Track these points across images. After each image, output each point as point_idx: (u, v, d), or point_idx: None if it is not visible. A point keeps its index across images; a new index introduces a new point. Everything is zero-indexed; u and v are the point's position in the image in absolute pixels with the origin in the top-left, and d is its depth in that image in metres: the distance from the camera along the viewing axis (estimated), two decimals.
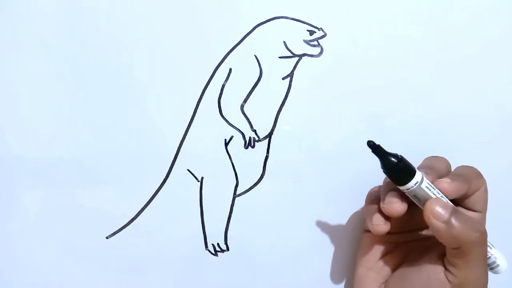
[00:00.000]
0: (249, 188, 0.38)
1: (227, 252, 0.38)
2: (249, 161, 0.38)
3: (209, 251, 0.38)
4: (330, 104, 0.38)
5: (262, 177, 0.38)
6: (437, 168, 0.32)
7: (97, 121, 0.37)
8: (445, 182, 0.30)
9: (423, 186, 0.30)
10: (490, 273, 0.33)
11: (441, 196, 0.30)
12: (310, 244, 0.38)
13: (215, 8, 0.37)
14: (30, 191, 0.37)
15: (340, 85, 0.38)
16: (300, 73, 0.38)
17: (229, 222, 0.38)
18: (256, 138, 0.38)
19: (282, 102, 0.38)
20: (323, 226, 0.39)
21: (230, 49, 0.37)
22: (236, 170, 0.38)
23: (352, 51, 0.38)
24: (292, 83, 0.38)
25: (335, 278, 0.39)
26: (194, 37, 0.37)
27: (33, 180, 0.37)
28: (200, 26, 0.37)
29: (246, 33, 0.37)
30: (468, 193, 0.32)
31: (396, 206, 0.30)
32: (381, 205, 0.31)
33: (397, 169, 0.30)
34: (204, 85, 0.37)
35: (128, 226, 0.37)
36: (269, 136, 0.38)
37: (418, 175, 0.30)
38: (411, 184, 0.29)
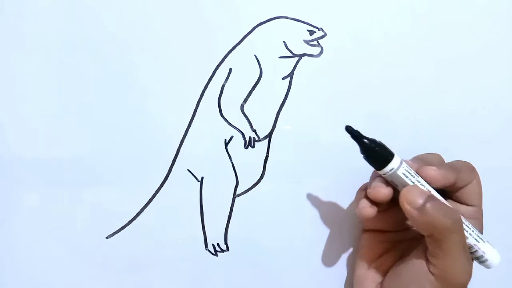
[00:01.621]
0: (249, 188, 0.38)
1: (227, 252, 0.38)
2: (249, 161, 0.38)
3: (209, 251, 0.38)
4: (330, 104, 0.38)
5: (262, 177, 0.38)
6: (427, 158, 0.33)
7: (97, 121, 0.37)
8: (431, 169, 0.31)
9: (399, 172, 0.30)
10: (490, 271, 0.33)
11: (421, 185, 0.30)
12: (310, 244, 0.38)
13: (215, 8, 0.37)
14: (30, 191, 0.37)
15: (340, 85, 0.38)
16: (300, 73, 0.38)
17: (229, 222, 0.38)
18: (256, 138, 0.38)
19: (282, 102, 0.38)
20: (322, 226, 0.38)
21: (230, 49, 0.37)
22: (236, 170, 0.38)
23: (352, 51, 0.38)
24: (292, 83, 0.38)
25: (335, 278, 0.39)
26: (194, 37, 0.37)
27: (33, 180, 0.37)
28: (200, 26, 0.37)
29: (246, 33, 0.37)
30: (458, 184, 0.32)
31: (381, 190, 0.31)
32: (368, 190, 0.32)
33: (374, 153, 0.30)
34: (204, 85, 0.37)
35: (128, 226, 0.37)
36: (269, 136, 0.38)
37: (396, 161, 0.30)
38: (387, 169, 0.30)
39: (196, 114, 0.37)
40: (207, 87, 0.37)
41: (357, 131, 0.31)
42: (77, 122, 0.37)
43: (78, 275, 0.38)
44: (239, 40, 0.37)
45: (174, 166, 0.38)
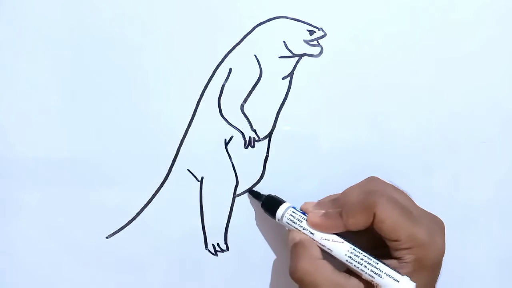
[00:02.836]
0: (249, 188, 0.38)
1: (227, 252, 0.38)
2: (249, 161, 0.38)
3: (209, 251, 0.38)
4: (330, 104, 0.38)
5: (262, 177, 0.38)
6: (325, 204, 0.34)
7: (97, 121, 0.37)
8: (310, 219, 0.33)
9: (284, 221, 0.34)
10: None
11: (303, 229, 0.33)
12: None
13: (215, 8, 0.37)
14: (30, 191, 0.37)
15: (340, 85, 0.38)
16: (300, 73, 0.38)
17: (229, 222, 0.38)
18: (256, 138, 0.38)
19: (282, 102, 0.38)
20: None
21: (230, 49, 0.37)
22: (236, 170, 0.38)
23: (352, 51, 0.38)
24: (292, 83, 0.38)
25: None
26: (194, 37, 0.37)
27: (33, 180, 0.37)
28: (200, 26, 0.37)
29: (246, 33, 0.37)
30: (353, 228, 0.31)
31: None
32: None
33: (267, 207, 0.36)
34: (204, 85, 0.37)
35: (128, 226, 0.38)
36: (269, 136, 0.38)
37: (280, 212, 0.34)
38: (276, 219, 0.35)
39: (196, 114, 0.37)
40: (207, 87, 0.37)
41: (255, 192, 0.37)
42: (77, 122, 0.37)
43: (78, 275, 0.38)
44: (239, 40, 0.37)
45: (174, 166, 0.38)
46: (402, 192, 0.32)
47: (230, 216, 0.38)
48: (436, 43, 0.38)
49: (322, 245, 0.32)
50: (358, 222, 0.31)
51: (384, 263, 0.30)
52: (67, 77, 0.37)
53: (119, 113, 0.37)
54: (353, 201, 0.31)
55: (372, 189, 0.31)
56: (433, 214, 0.32)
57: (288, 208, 0.34)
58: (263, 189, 0.38)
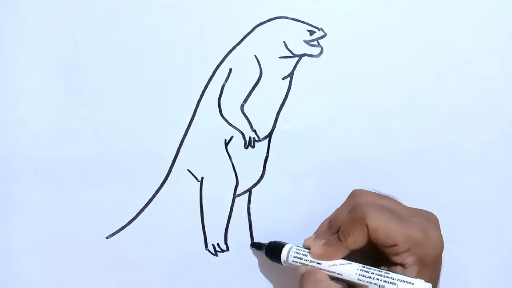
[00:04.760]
0: (249, 188, 0.38)
1: (227, 252, 0.38)
2: (249, 161, 0.38)
3: (209, 251, 0.38)
4: (330, 104, 0.38)
5: (262, 177, 0.38)
6: (322, 233, 0.34)
7: (97, 121, 0.37)
8: (313, 252, 0.33)
9: (290, 261, 0.34)
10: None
11: (310, 262, 0.33)
12: None
13: (215, 8, 0.37)
14: (30, 191, 0.37)
15: (340, 85, 0.38)
16: (300, 73, 0.38)
17: (229, 222, 0.38)
18: (256, 138, 0.38)
19: (282, 102, 0.38)
20: None
21: (230, 49, 0.37)
22: (236, 170, 0.38)
23: (352, 51, 0.38)
24: (292, 83, 0.38)
25: None
26: (194, 37, 0.37)
27: (33, 180, 0.37)
28: (200, 26, 0.37)
29: (246, 33, 0.37)
30: (353, 247, 0.31)
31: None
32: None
33: (270, 255, 0.36)
34: (204, 85, 0.37)
35: (128, 226, 0.38)
36: (269, 136, 0.38)
37: (284, 255, 0.35)
38: (282, 261, 0.35)
39: (196, 114, 0.37)
40: (207, 87, 0.37)
41: (257, 243, 0.37)
42: (77, 122, 0.37)
43: (78, 275, 0.38)
44: (239, 40, 0.37)
45: (174, 166, 0.38)
46: (387, 197, 0.33)
47: (230, 216, 0.38)
48: (436, 43, 0.38)
49: (332, 272, 0.32)
50: (356, 239, 0.31)
51: (393, 272, 0.30)
52: (67, 77, 0.37)
53: (119, 113, 0.37)
54: (345, 221, 0.32)
55: (358, 202, 0.32)
56: (424, 210, 0.32)
57: (291, 248, 0.35)
58: (263, 189, 0.38)
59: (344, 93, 0.38)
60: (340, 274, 0.32)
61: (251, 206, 0.38)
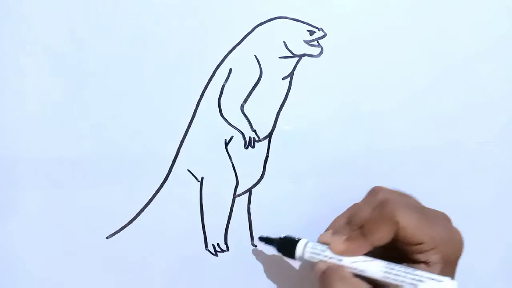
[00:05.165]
0: (249, 188, 0.38)
1: (227, 252, 0.38)
2: (249, 161, 0.38)
3: (209, 251, 0.38)
4: (330, 104, 0.38)
5: (262, 177, 0.38)
6: (339, 228, 0.33)
7: (97, 121, 0.37)
8: (334, 248, 0.32)
9: (306, 257, 0.33)
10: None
11: (329, 258, 0.32)
12: None
13: (215, 8, 0.37)
14: (30, 191, 0.37)
15: (340, 85, 0.38)
16: (300, 73, 0.38)
17: (229, 222, 0.38)
18: (256, 138, 0.38)
19: (282, 102, 0.38)
20: (322, 226, 0.38)
21: (230, 49, 0.37)
22: (236, 170, 0.38)
23: (352, 51, 0.38)
24: (292, 83, 0.38)
25: None
26: (194, 37, 0.37)
27: (33, 180, 0.37)
28: (200, 26, 0.37)
29: (246, 33, 0.37)
30: (380, 243, 0.31)
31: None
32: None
33: (284, 249, 0.34)
34: (204, 85, 0.37)
35: (128, 226, 0.38)
36: (269, 136, 0.38)
37: (299, 250, 0.33)
38: (297, 257, 0.33)
39: (196, 114, 0.37)
40: (207, 87, 0.37)
41: (267, 237, 0.36)
42: (77, 122, 0.37)
43: (78, 275, 0.38)
44: (239, 40, 0.37)
45: (174, 166, 0.38)
46: (410, 196, 0.33)
47: (230, 216, 0.38)
48: (436, 43, 0.38)
49: (354, 269, 0.31)
50: (383, 236, 0.31)
51: (420, 270, 0.30)
52: (67, 77, 0.37)
53: (119, 113, 0.37)
54: (371, 216, 0.31)
55: (386, 199, 0.31)
56: (438, 211, 0.32)
57: (307, 243, 0.33)
58: (263, 189, 0.38)
59: (344, 93, 0.38)
60: (363, 271, 0.31)
61: (251, 206, 0.38)
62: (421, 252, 0.30)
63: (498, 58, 0.39)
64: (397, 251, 0.31)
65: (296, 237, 0.34)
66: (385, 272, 0.30)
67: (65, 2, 0.37)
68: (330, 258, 0.32)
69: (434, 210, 0.32)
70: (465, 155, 0.38)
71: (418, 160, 0.38)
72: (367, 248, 0.31)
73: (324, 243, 0.33)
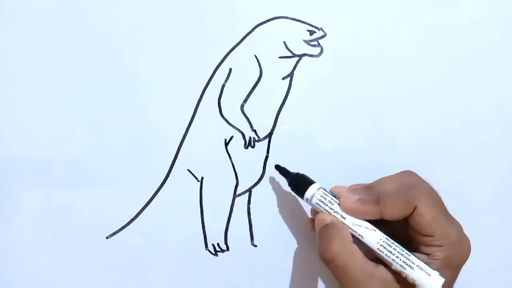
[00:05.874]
0: (249, 188, 0.38)
1: (227, 252, 0.38)
2: (249, 161, 0.38)
3: (209, 251, 0.38)
4: (330, 104, 0.38)
5: (262, 177, 0.38)
6: (359, 189, 0.33)
7: (97, 121, 0.37)
8: (345, 202, 0.32)
9: (313, 202, 0.33)
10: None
11: (334, 212, 0.32)
12: (310, 244, 0.38)
13: (215, 8, 0.37)
14: (30, 191, 0.37)
15: (340, 85, 0.38)
16: (300, 73, 0.38)
17: (229, 222, 0.38)
18: (256, 138, 0.38)
19: (282, 102, 0.38)
20: None
21: (230, 49, 0.37)
22: (236, 170, 0.38)
23: (352, 51, 0.38)
24: (292, 83, 0.38)
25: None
26: (194, 37, 0.37)
27: (33, 180, 0.37)
28: (200, 26, 0.37)
29: (246, 33, 0.37)
30: (389, 217, 0.31)
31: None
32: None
33: (296, 185, 0.34)
34: (204, 85, 0.37)
35: (128, 226, 0.38)
36: (269, 136, 0.38)
37: (310, 192, 0.33)
38: (306, 197, 0.33)
39: (196, 114, 0.37)
40: (207, 87, 0.37)
41: (284, 168, 0.35)
42: (77, 122, 0.37)
43: (78, 275, 0.38)
44: (239, 40, 0.37)
45: (174, 166, 0.38)
46: (437, 192, 0.32)
47: (230, 216, 0.38)
48: (436, 43, 0.38)
49: (354, 231, 0.31)
50: (395, 212, 0.30)
51: (415, 256, 0.30)
52: (67, 77, 0.37)
53: (119, 113, 0.37)
54: (393, 191, 0.31)
55: (412, 183, 0.31)
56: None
57: (319, 189, 0.33)
58: (263, 188, 0.38)
59: (344, 93, 0.38)
60: (361, 236, 0.31)
61: (251, 206, 0.38)
62: (428, 245, 0.30)
63: (498, 58, 0.39)
64: (406, 239, 0.31)
65: (312, 179, 0.34)
66: (381, 245, 0.30)
67: (66, 2, 0.37)
68: (335, 212, 0.32)
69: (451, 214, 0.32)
70: (465, 155, 0.38)
71: (418, 159, 0.38)
72: (375, 216, 0.31)
73: (336, 194, 0.33)
